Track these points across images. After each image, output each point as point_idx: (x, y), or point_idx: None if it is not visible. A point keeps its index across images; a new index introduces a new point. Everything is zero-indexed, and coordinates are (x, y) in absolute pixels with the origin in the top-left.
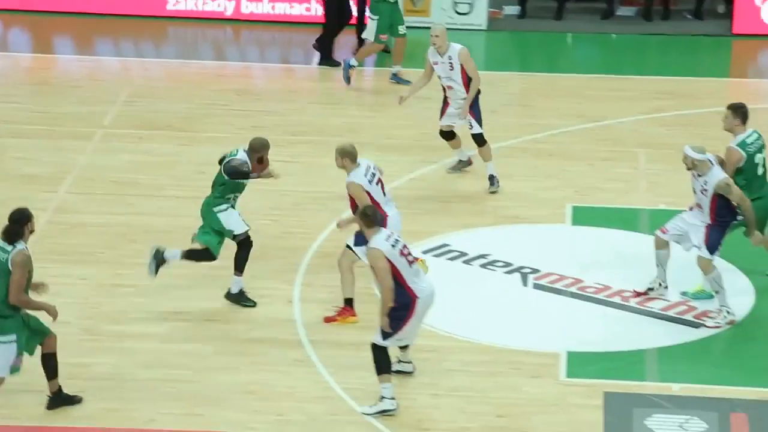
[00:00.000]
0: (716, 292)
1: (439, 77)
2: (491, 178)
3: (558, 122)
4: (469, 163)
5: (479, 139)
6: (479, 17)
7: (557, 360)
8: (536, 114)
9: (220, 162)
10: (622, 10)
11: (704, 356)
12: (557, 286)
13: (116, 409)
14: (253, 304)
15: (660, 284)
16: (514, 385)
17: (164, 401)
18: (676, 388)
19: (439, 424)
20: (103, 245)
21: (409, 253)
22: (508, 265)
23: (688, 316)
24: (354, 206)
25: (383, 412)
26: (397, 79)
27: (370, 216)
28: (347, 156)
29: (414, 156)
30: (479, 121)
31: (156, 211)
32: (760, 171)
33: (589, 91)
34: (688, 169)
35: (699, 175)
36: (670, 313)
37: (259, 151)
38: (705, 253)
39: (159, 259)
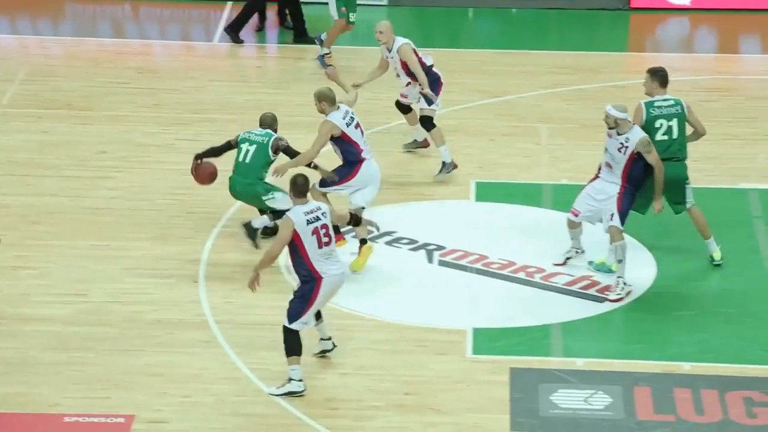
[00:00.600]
0: (619, 261)
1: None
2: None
3: (460, 98)
4: (424, 145)
5: (426, 122)
6: None
7: (463, 337)
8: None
9: (229, 147)
10: None
11: (608, 330)
12: (462, 262)
13: (20, 394)
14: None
15: (576, 251)
16: (421, 362)
17: (69, 385)
18: (580, 363)
19: (347, 403)
20: (3, 227)
21: (327, 234)
22: (413, 242)
23: (592, 291)
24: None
25: (290, 394)
26: (322, 62)
27: (299, 186)
28: (325, 99)
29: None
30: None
31: (58, 192)
32: (659, 137)
33: (490, 66)
34: (610, 128)
35: (619, 133)
36: (574, 288)
37: (272, 125)
38: (617, 222)
39: (252, 231)
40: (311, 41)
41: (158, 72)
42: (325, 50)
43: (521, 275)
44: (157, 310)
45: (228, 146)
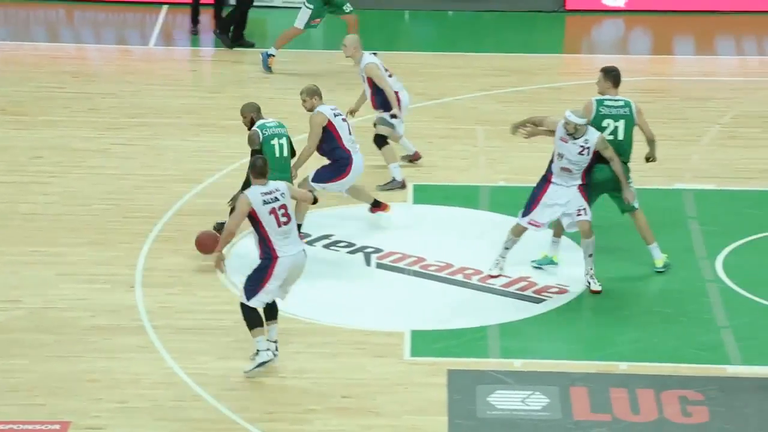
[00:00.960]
0: (590, 255)
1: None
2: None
3: None
4: (414, 158)
5: (379, 140)
6: None
7: (401, 339)
8: None
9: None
10: None
11: (545, 331)
12: (400, 265)
13: None
14: None
15: (502, 258)
16: (359, 365)
17: (3, 392)
18: (518, 364)
19: (285, 407)
20: None
21: (285, 215)
22: (350, 245)
23: (529, 292)
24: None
25: (262, 364)
26: (265, 64)
27: (258, 168)
28: (315, 94)
29: None
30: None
31: None
32: (605, 136)
33: (427, 68)
34: (568, 134)
35: (576, 138)
36: (512, 289)
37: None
38: (589, 215)
39: None
40: (249, 45)
41: (94, 76)
42: (273, 51)
43: (459, 277)
44: (93, 315)
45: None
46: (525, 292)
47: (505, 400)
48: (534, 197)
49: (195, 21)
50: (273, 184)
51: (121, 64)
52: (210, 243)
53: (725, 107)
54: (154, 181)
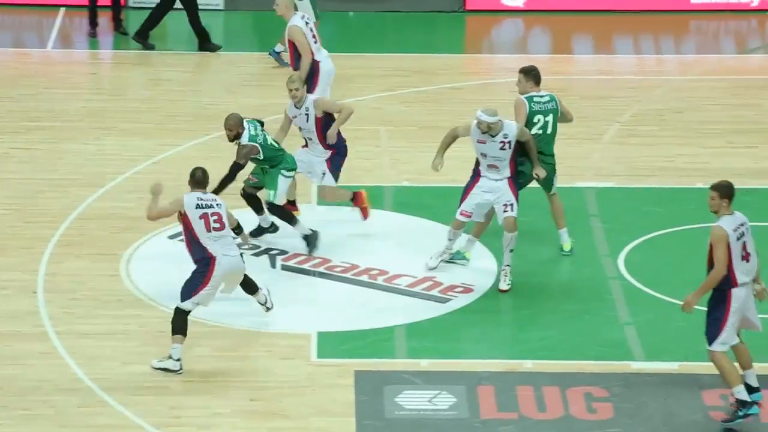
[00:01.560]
0: (511, 251)
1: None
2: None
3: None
4: None
5: None
6: None
7: (308, 341)
8: (279, 94)
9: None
10: None
11: (451, 331)
12: (305, 266)
13: None
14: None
15: (449, 253)
16: (266, 367)
17: None
18: (424, 364)
19: (191, 411)
20: None
21: (218, 221)
22: (255, 247)
23: (435, 292)
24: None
25: (165, 370)
26: (277, 58)
27: (197, 178)
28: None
29: (157, 140)
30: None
31: None
32: (534, 131)
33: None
34: (483, 133)
35: (493, 136)
36: (417, 289)
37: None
38: (516, 212)
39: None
40: (215, 48)
41: None
42: (282, 47)
43: (364, 278)
44: None
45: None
46: (431, 292)
47: (413, 400)
48: (465, 190)
49: (93, 23)
50: (211, 195)
51: (19, 68)
52: None
53: (624, 105)
54: (55, 185)
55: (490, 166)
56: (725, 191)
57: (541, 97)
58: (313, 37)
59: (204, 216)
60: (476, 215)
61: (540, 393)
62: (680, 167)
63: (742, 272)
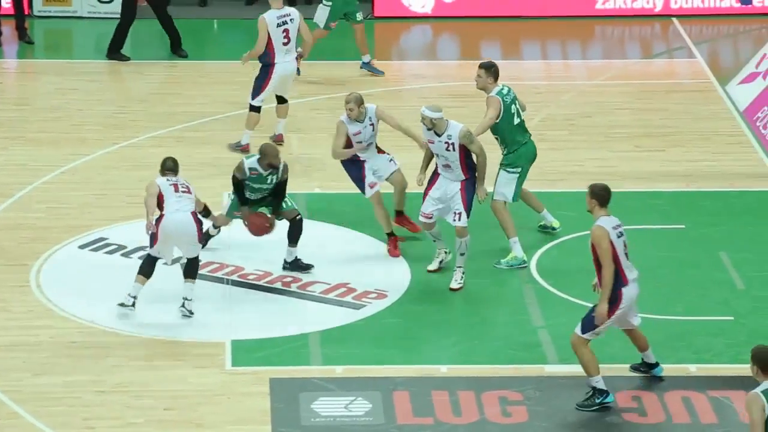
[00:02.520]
0: (462, 254)
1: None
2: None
3: (210, 110)
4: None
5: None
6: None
7: (222, 349)
8: (187, 102)
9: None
10: None
11: (366, 337)
12: (219, 274)
13: None
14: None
15: (445, 252)
16: (180, 376)
17: None
18: (339, 371)
19: (105, 421)
20: None
21: (184, 187)
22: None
23: (349, 298)
24: None
25: (122, 305)
26: (368, 68)
27: (168, 165)
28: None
29: (65, 149)
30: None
31: None
32: (516, 120)
33: (240, 77)
34: (428, 129)
35: (439, 134)
36: (331, 296)
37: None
38: (464, 222)
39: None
40: (184, 55)
41: None
42: (368, 57)
43: (278, 285)
44: None
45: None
46: (344, 299)
47: (329, 407)
48: (425, 191)
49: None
50: (182, 179)
51: None
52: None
53: (533, 110)
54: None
55: (444, 166)
56: (595, 193)
57: (503, 88)
58: (285, 38)
59: (174, 185)
60: (443, 214)
61: (455, 397)
62: (590, 171)
63: (629, 269)
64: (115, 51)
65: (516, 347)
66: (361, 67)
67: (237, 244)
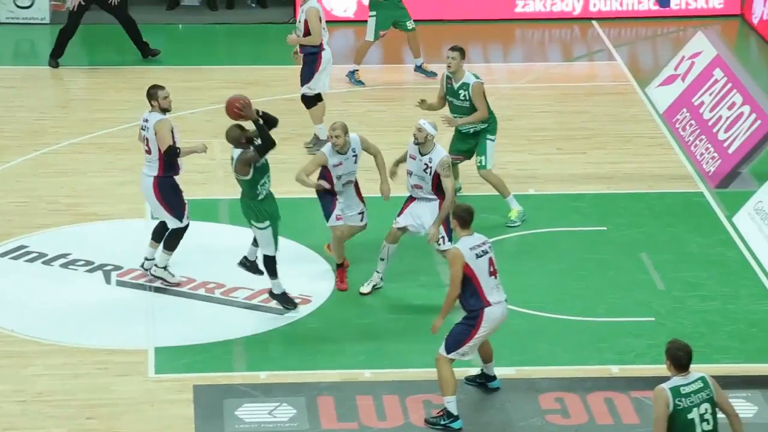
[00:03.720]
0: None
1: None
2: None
3: (131, 116)
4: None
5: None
6: (41, 10)
7: (145, 357)
8: (108, 108)
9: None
10: (187, 0)
11: (290, 342)
12: (141, 281)
13: None
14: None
15: (380, 279)
16: (103, 385)
17: None
18: (263, 376)
19: (27, 431)
20: None
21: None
22: (89, 263)
23: (273, 304)
24: None
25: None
26: (422, 72)
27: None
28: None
29: None
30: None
31: None
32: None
33: (159, 82)
34: (417, 143)
35: (423, 153)
36: (255, 301)
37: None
38: (448, 245)
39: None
40: (155, 53)
41: None
42: (420, 60)
43: (201, 291)
44: None
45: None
46: (268, 304)
47: (253, 413)
48: (404, 205)
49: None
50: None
51: None
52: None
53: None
54: None
55: (415, 186)
56: (456, 214)
57: (475, 74)
58: (325, 27)
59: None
60: (418, 229)
61: (380, 402)
62: (512, 174)
63: (492, 289)
64: (56, 57)
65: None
66: (415, 71)
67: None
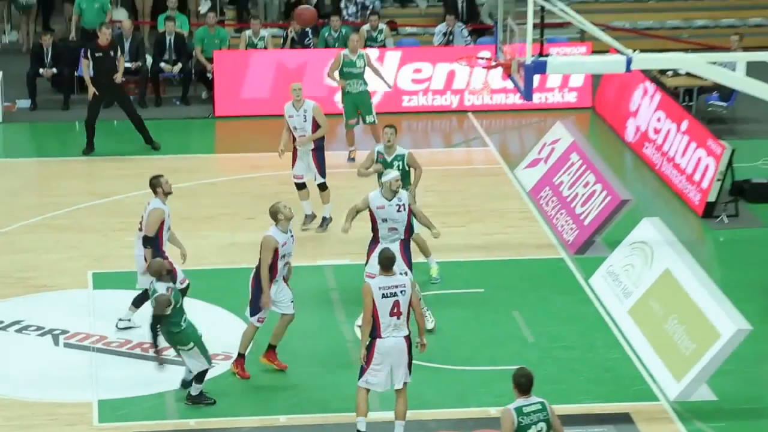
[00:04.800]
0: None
1: (294, 128)
2: (324, 219)
3: (74, 200)
4: (313, 217)
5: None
6: None
7: (90, 408)
8: (53, 194)
9: None
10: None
11: (214, 393)
12: (86, 343)
13: None
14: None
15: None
16: None
17: None
18: (193, 423)
19: None
20: None
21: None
22: (40, 328)
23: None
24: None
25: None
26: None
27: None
28: None
29: None
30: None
31: None
32: None
33: (98, 171)
34: (393, 190)
35: (389, 199)
36: None
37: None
38: (410, 276)
39: None
40: (158, 147)
41: None
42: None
43: (137, 351)
44: None
45: None
46: None
47: None
48: (368, 252)
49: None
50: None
51: None
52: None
53: None
54: None
55: (391, 229)
56: (379, 260)
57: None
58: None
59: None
60: None
61: None
62: None
63: (388, 326)
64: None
65: (345, 398)
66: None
67: (102, 317)
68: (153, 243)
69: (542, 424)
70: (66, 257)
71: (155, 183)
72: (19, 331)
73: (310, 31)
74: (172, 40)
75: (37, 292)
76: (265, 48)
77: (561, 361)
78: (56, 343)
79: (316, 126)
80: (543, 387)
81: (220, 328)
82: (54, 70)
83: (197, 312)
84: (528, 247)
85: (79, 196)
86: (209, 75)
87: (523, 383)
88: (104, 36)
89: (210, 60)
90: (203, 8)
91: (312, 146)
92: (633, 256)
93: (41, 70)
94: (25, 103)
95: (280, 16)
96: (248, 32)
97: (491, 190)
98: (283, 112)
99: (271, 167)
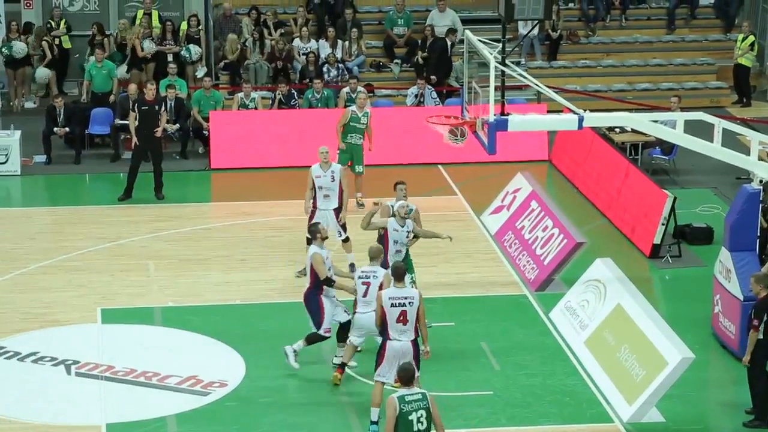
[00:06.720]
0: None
1: (320, 188)
2: (351, 266)
3: (85, 244)
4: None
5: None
6: (14, 165)
7: (99, 431)
8: (67, 239)
9: None
10: (126, 154)
11: (211, 417)
12: (95, 372)
13: None
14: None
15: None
16: None
17: None
18: None
19: None
20: None
21: None
22: (54, 359)
23: (198, 387)
24: None
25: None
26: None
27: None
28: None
29: None
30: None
31: None
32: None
33: (106, 218)
34: (403, 217)
35: (403, 225)
36: (184, 386)
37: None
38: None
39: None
40: (162, 198)
41: None
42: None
43: (142, 379)
44: None
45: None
46: (194, 388)
47: None
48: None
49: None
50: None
51: None
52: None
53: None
54: None
55: (397, 251)
56: (391, 267)
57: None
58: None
59: None
60: None
61: None
62: None
63: (395, 331)
64: (128, 193)
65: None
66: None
67: (109, 348)
68: (328, 281)
69: (422, 412)
70: (77, 295)
71: (313, 231)
72: (35, 361)
73: (295, 93)
74: (173, 103)
75: (51, 326)
76: (256, 108)
77: (525, 387)
78: (68, 372)
79: (340, 186)
80: (509, 410)
81: (218, 359)
82: (66, 129)
83: (194, 344)
84: (494, 284)
85: (88, 240)
86: (205, 132)
87: (403, 376)
88: (150, 91)
89: (206, 119)
90: (200, 73)
91: (336, 205)
92: (588, 292)
93: (55, 129)
94: (41, 158)
95: (269, 79)
96: (240, 94)
97: (460, 234)
98: (309, 173)
99: (261, 214)
